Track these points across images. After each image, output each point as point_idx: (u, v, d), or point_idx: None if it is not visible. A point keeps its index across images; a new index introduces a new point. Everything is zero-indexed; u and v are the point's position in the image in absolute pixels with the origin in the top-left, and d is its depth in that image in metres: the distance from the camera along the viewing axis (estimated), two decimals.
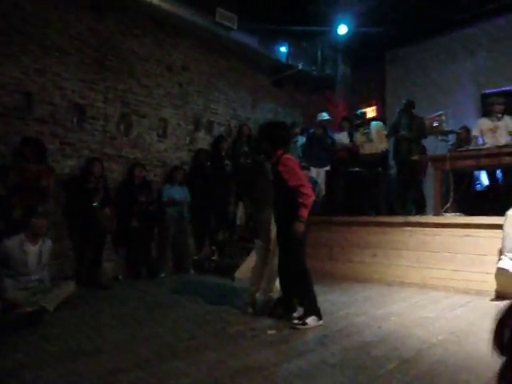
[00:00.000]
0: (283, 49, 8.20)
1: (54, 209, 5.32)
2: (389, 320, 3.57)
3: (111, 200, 5.65)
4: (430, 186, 5.91)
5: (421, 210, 6.03)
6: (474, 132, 6.03)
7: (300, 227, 3.38)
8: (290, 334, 3.19)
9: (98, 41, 5.89)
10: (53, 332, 3.28)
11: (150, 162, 6.37)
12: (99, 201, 5.38)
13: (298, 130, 7.68)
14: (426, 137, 6.28)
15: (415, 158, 6.19)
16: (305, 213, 3.36)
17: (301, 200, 3.36)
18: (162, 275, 5.96)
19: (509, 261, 4.15)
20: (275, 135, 3.66)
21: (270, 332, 3.21)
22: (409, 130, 6.31)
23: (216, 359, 2.62)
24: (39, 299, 3.73)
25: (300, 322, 3.32)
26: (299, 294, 3.58)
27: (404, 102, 6.56)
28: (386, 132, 6.80)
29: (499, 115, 5.83)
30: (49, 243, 4.07)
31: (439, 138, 5.90)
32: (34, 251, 3.90)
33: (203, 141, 7.20)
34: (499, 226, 4.31)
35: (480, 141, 5.86)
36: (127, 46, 6.22)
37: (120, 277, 5.74)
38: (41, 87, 5.31)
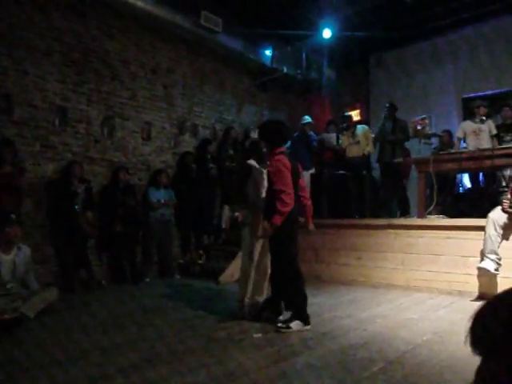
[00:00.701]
0: (268, 52, 8.21)
1: (35, 213, 5.22)
2: (374, 322, 3.58)
3: (94, 204, 5.57)
4: (414, 189, 5.98)
5: (405, 212, 6.10)
6: (458, 134, 6.10)
7: (266, 229, 3.34)
8: (275, 337, 3.18)
9: (81, 42, 5.81)
10: (35, 339, 3.22)
11: (134, 166, 6.31)
12: (81, 204, 5.31)
13: None
14: (408, 139, 6.37)
15: (399, 160, 6.27)
16: (278, 220, 3.28)
17: (278, 206, 3.29)
18: (147, 279, 5.88)
19: (490, 262, 4.21)
20: (274, 133, 3.61)
21: (256, 335, 3.20)
22: (392, 133, 6.40)
23: (201, 363, 2.59)
24: (19, 306, 3.63)
25: (284, 326, 3.30)
26: (288, 297, 3.56)
27: (387, 105, 6.65)
28: (372, 135, 6.86)
29: (483, 118, 5.91)
30: (26, 251, 3.93)
31: (422, 141, 5.96)
32: (8, 261, 3.75)
33: (188, 144, 7.15)
34: (481, 228, 4.38)
35: (463, 144, 5.95)
36: (110, 48, 6.15)
37: (103, 282, 5.64)
38: (21, 89, 5.21)
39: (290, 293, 3.49)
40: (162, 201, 6.12)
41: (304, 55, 8.85)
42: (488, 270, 4.19)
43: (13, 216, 4.09)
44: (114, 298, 4.78)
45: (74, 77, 5.71)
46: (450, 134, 6.68)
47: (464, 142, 6.03)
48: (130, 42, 6.39)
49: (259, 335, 3.21)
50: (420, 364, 2.60)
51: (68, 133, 5.63)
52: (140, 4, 5.98)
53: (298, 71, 8.75)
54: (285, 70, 8.39)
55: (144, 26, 6.48)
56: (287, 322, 3.33)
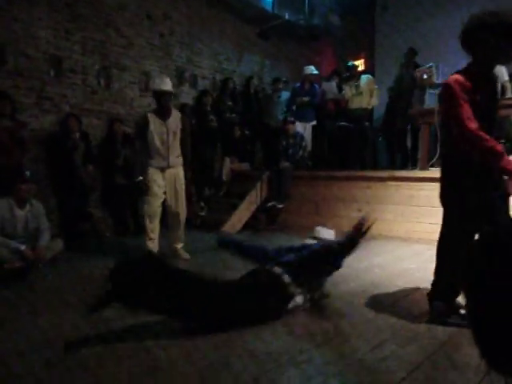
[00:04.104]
0: None
1: (36, 166, 5.21)
2: (372, 272, 3.65)
3: (94, 157, 5.54)
4: None
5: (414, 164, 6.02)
6: None
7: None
8: None
9: None
10: (42, 285, 3.38)
11: (132, 118, 6.20)
12: (81, 157, 5.29)
13: (281, 85, 7.49)
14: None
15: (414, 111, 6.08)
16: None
17: None
18: None
19: None
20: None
21: None
22: (413, 80, 6.13)
23: None
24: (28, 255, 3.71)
25: None
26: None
27: (406, 52, 6.37)
28: (376, 86, 6.67)
29: None
30: (39, 207, 3.95)
31: (429, 91, 5.81)
32: (22, 216, 3.81)
33: (187, 95, 7.00)
34: None
35: None
36: None
37: (108, 234, 5.73)
38: (11, 36, 5.01)
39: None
40: None
41: (306, 0, 8.46)
42: None
43: (27, 173, 4.10)
44: (119, 248, 4.86)
45: (66, 24, 5.48)
46: None
47: None
48: None
49: None
50: (413, 310, 2.66)
51: (64, 84, 5.50)
52: None
53: (301, 17, 8.39)
54: (287, 16, 8.05)
55: None
56: None
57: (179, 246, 4.34)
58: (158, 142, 4.08)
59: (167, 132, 4.10)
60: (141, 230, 5.79)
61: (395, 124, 6.40)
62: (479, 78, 2.31)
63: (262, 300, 2.41)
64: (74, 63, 5.58)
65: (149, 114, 4.11)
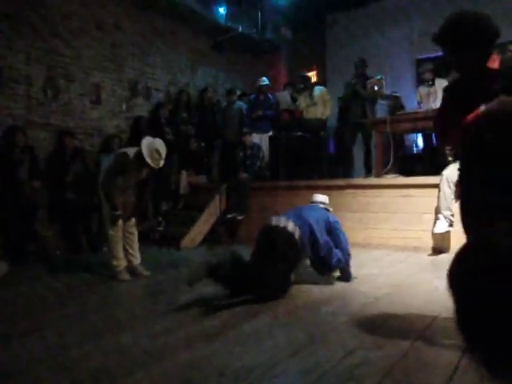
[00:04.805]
0: (222, 10, 7.89)
1: None
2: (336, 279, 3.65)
3: (40, 172, 5.24)
4: None
5: (369, 172, 6.17)
6: (417, 98, 6.30)
7: None
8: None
9: None
10: None
11: (84, 131, 5.96)
12: (26, 173, 4.98)
13: (235, 96, 7.52)
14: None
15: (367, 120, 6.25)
16: None
17: None
18: (105, 248, 5.68)
19: (444, 220, 4.36)
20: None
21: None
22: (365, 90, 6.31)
23: (168, 327, 2.53)
24: None
25: None
26: None
27: (357, 61, 6.54)
28: (329, 97, 6.82)
29: (430, 82, 6.10)
30: None
31: (379, 101, 6.02)
32: None
33: (141, 108, 6.83)
34: (435, 186, 4.51)
35: (422, 106, 6.07)
36: (48, 1, 5.61)
37: (58, 252, 5.40)
38: None
39: None
40: None
41: (259, 14, 8.58)
42: (443, 233, 4.38)
43: None
44: (68, 269, 4.57)
45: (8, 31, 5.19)
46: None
47: (423, 105, 6.16)
48: None
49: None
50: (380, 315, 2.67)
51: (6, 95, 5.18)
52: None
53: (254, 31, 8.50)
54: (240, 28, 8.11)
55: None
56: None
57: (137, 262, 4.17)
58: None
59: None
60: (95, 248, 5.56)
61: (344, 133, 6.59)
62: None
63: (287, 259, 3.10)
64: (17, 73, 5.28)
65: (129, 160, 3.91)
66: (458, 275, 0.64)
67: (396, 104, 6.63)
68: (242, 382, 1.80)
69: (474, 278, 0.61)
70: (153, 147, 3.81)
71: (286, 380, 1.82)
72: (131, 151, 3.89)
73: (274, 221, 3.26)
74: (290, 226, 3.17)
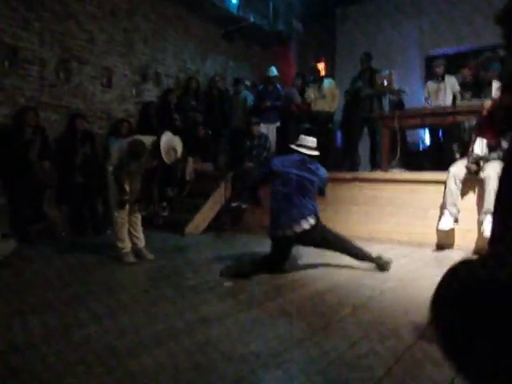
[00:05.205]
0: (234, 0, 7.84)
1: None
2: (340, 271, 3.69)
3: (51, 153, 5.28)
4: None
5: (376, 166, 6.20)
6: (424, 94, 6.26)
7: None
8: (246, 285, 3.21)
9: None
10: None
11: (93, 114, 5.98)
12: (37, 153, 5.02)
13: (241, 86, 7.53)
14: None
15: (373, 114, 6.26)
16: None
17: None
18: (109, 231, 5.73)
19: (449, 217, 4.40)
20: None
21: (226, 284, 3.22)
22: (370, 84, 6.29)
23: (174, 311, 2.59)
24: None
25: None
26: None
27: (362, 56, 6.54)
28: (338, 90, 6.82)
29: (439, 78, 6.08)
30: None
31: (389, 96, 6.02)
32: None
33: (150, 93, 6.84)
34: (441, 182, 4.54)
35: (429, 102, 6.06)
36: None
37: (63, 234, 5.46)
38: None
39: None
40: None
41: (271, 5, 8.54)
42: (447, 230, 4.41)
43: None
44: (74, 250, 4.62)
45: (24, 13, 5.20)
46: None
47: (430, 100, 6.15)
48: None
49: (229, 283, 3.23)
50: (385, 308, 2.72)
51: (19, 75, 5.20)
52: None
53: (265, 21, 8.46)
54: (251, 19, 8.08)
55: None
56: None
57: (142, 245, 4.22)
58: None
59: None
60: (99, 231, 5.62)
61: (351, 127, 6.61)
62: None
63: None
64: (31, 54, 5.30)
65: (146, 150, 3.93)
66: (433, 304, 0.66)
67: (398, 100, 6.63)
68: (249, 367, 1.85)
69: (445, 310, 0.63)
70: (171, 145, 3.84)
71: (293, 368, 1.86)
72: (147, 140, 3.91)
73: None
74: None
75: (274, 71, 7.19)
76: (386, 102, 6.46)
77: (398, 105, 6.42)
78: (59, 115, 5.59)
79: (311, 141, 3.77)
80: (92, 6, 5.95)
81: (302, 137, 3.80)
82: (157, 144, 3.81)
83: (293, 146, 3.76)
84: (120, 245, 4.01)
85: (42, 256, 4.30)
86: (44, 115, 5.33)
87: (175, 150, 3.87)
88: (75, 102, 5.78)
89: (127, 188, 4.01)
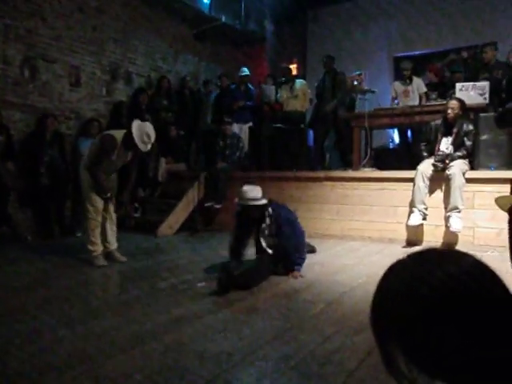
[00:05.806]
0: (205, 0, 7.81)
1: None
2: (313, 269, 3.72)
3: (15, 153, 5.10)
4: None
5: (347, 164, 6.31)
6: (391, 94, 6.39)
7: None
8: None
9: None
10: None
11: (61, 113, 5.81)
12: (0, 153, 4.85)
13: (212, 87, 7.51)
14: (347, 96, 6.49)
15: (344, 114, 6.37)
16: None
17: None
18: (78, 234, 5.60)
19: (418, 213, 4.51)
20: None
21: (199, 285, 3.20)
22: (333, 87, 6.42)
23: (147, 313, 2.55)
24: None
25: None
26: None
27: (324, 59, 6.66)
28: (309, 91, 6.90)
29: (407, 80, 6.24)
30: None
31: (358, 96, 6.12)
32: None
33: (121, 92, 6.72)
34: (410, 180, 4.65)
35: (396, 102, 6.21)
36: None
37: (29, 237, 5.27)
38: None
39: None
40: None
41: (243, 5, 8.54)
42: (416, 226, 4.53)
43: None
44: (41, 253, 4.47)
45: None
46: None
47: (397, 100, 6.29)
48: None
49: (202, 284, 3.21)
50: (357, 303, 2.76)
51: None
52: None
53: (237, 22, 8.46)
54: (223, 19, 8.05)
55: None
56: None
57: (114, 247, 4.15)
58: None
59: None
60: (67, 233, 5.47)
61: (318, 126, 6.73)
62: None
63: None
64: None
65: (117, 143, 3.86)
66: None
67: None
68: (223, 366, 1.85)
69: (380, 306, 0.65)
70: (143, 131, 3.79)
71: (266, 365, 1.86)
72: (118, 134, 3.84)
73: None
74: None
75: (245, 71, 7.22)
76: (357, 102, 6.57)
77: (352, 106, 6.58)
78: (24, 115, 5.41)
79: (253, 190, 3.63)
80: (58, 3, 5.78)
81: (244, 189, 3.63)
82: (129, 133, 3.75)
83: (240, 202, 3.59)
84: (91, 247, 3.92)
85: (7, 260, 4.15)
86: (8, 114, 5.15)
87: (148, 136, 3.81)
88: (42, 101, 5.60)
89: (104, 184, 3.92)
